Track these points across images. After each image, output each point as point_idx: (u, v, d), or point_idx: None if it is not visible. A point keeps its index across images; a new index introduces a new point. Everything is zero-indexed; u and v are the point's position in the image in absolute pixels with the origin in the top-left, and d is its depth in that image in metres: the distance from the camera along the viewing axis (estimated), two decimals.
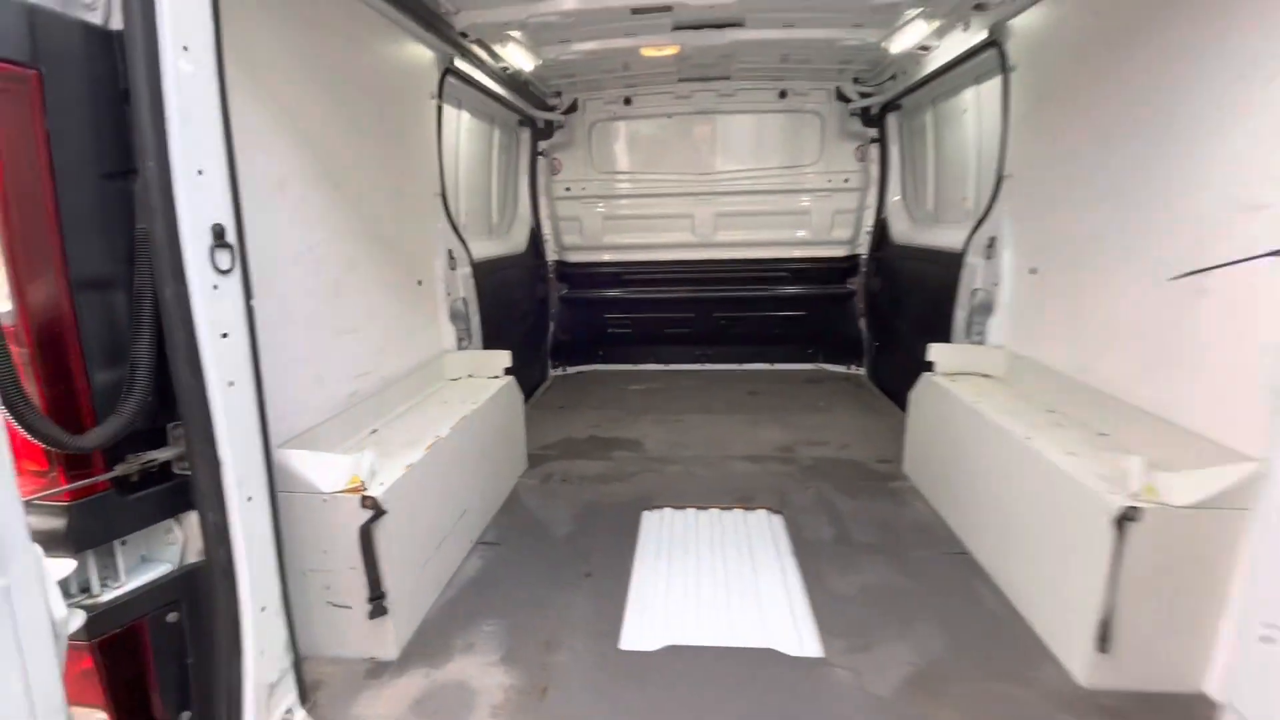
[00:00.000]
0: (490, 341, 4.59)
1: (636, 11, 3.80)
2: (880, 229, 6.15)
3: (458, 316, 4.26)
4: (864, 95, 5.86)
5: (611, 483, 4.19)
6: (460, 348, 4.22)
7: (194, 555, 1.88)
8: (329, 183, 2.86)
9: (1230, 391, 2.17)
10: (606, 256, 6.75)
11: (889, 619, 2.69)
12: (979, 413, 3.13)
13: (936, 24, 3.97)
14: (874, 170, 6.18)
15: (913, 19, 3.91)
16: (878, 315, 6.22)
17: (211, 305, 1.80)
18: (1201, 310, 2.29)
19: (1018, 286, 3.62)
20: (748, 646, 2.54)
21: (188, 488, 1.83)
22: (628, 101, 6.20)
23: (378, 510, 2.36)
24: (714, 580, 3.02)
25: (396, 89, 3.59)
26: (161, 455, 1.78)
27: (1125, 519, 2.10)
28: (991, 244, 3.84)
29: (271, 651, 2.05)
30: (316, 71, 2.81)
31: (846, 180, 6.26)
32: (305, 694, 2.22)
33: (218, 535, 1.84)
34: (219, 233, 1.82)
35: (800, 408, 5.67)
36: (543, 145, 6.42)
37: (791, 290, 6.65)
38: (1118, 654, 2.21)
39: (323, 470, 2.38)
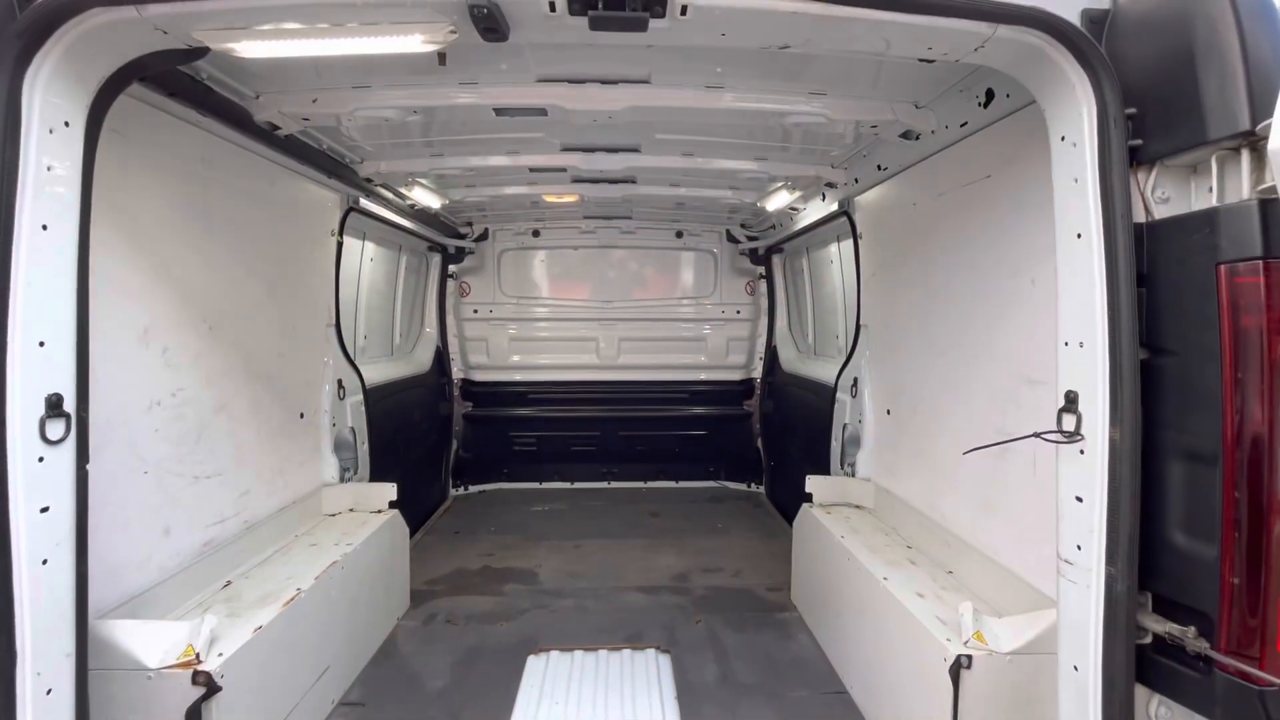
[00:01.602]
0: (382, 469, 4.45)
1: (535, 170, 4.16)
2: (771, 356, 6.63)
3: (343, 446, 4.13)
4: (750, 239, 6.52)
5: (498, 622, 4.01)
6: (343, 479, 4.07)
7: None
8: (205, 327, 2.84)
9: (1036, 540, 2.44)
10: (514, 376, 6.84)
11: None
12: (847, 549, 3.32)
13: (799, 193, 4.57)
14: (763, 303, 6.75)
15: (779, 188, 4.50)
16: (771, 436, 6.54)
17: (34, 479, 1.71)
18: (1007, 466, 2.62)
19: (878, 424, 3.98)
20: None
21: None
22: (536, 234, 6.57)
23: (211, 687, 2.16)
24: None
25: (293, 230, 3.67)
26: None
27: (959, 667, 2.25)
28: (855, 384, 4.24)
29: None
30: (205, 224, 2.86)
31: (739, 311, 6.79)
32: None
33: None
34: (54, 403, 1.76)
35: (699, 530, 5.74)
36: (452, 269, 6.61)
37: (693, 411, 6.93)
38: None
39: (150, 642, 2.18)
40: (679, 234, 6.63)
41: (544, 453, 6.97)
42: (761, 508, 6.47)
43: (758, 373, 6.88)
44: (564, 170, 4.17)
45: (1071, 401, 1.86)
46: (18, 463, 1.66)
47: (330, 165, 3.67)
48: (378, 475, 4.37)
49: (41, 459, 1.73)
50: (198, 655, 2.20)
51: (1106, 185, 1.75)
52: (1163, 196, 1.76)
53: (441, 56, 2.19)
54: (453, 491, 6.78)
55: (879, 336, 4.04)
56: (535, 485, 6.96)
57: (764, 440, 6.78)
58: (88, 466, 1.87)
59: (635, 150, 3.88)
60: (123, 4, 1.68)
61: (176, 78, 2.37)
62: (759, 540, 5.52)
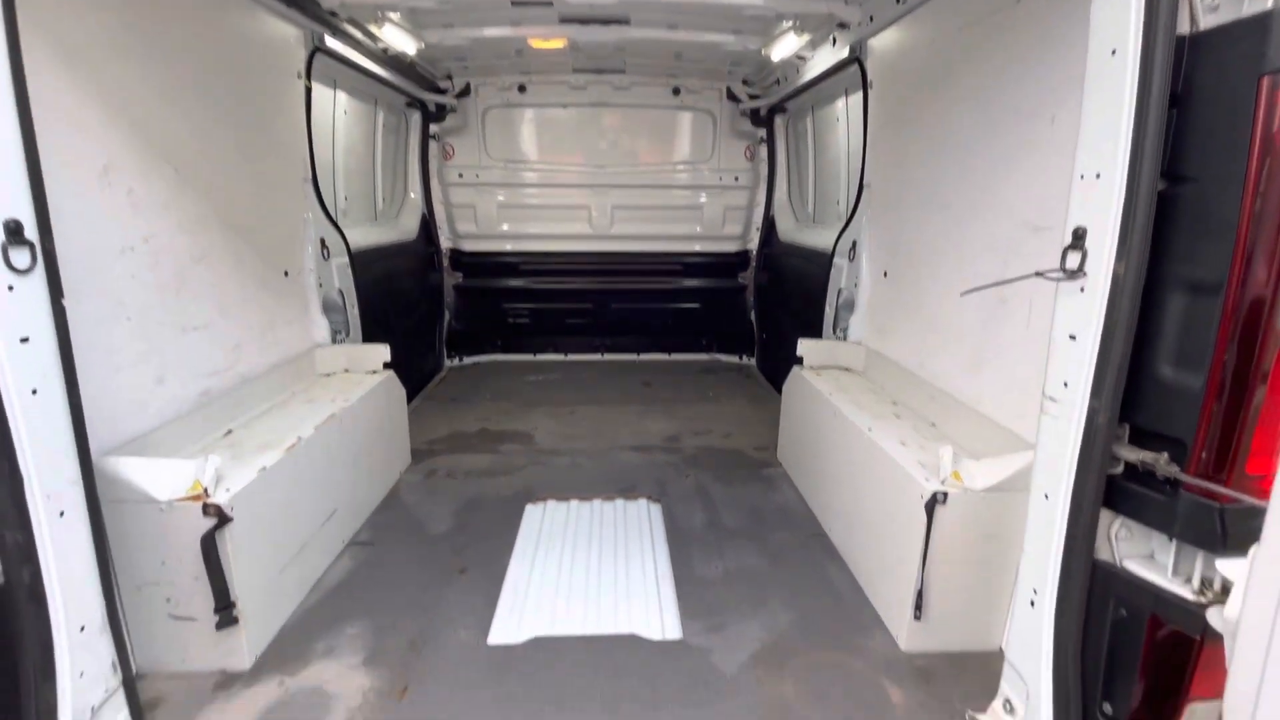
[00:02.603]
0: (372, 334, 4.44)
1: (516, 4, 3.75)
2: (768, 226, 6.44)
3: (332, 308, 4.08)
4: (752, 97, 6.09)
5: (497, 476, 4.19)
6: (335, 341, 4.06)
7: None
8: (170, 169, 2.66)
9: (1022, 388, 2.50)
10: (503, 246, 6.66)
11: (745, 600, 2.89)
12: (834, 405, 3.40)
13: (807, 37, 4.19)
14: (763, 169, 6.45)
15: (786, 30, 4.11)
16: (765, 309, 6.53)
17: (6, 308, 1.66)
18: (1001, 317, 2.61)
19: (874, 287, 3.94)
20: (611, 634, 2.66)
21: None
22: (522, 89, 6.11)
23: (222, 518, 2.26)
24: (587, 571, 3.12)
25: (254, 68, 3.36)
26: None
27: (934, 502, 2.38)
28: (854, 247, 4.14)
29: (94, 672, 1.93)
30: (153, 51, 2.59)
31: (737, 178, 6.50)
32: (140, 713, 2.11)
33: (20, 555, 1.71)
34: (14, 229, 1.67)
35: (690, 398, 5.88)
36: (434, 129, 6.21)
37: (687, 283, 6.85)
38: (931, 620, 2.51)
39: (158, 477, 2.25)
40: (676, 91, 6.18)
41: (537, 325, 6.97)
42: (752, 379, 6.60)
43: (754, 244, 6.72)
44: (549, 4, 3.77)
45: (1079, 238, 1.80)
46: None
47: None
48: (370, 340, 4.36)
49: (11, 288, 1.67)
50: (205, 490, 2.28)
51: None
52: (1212, 4, 1.59)
53: None
54: (447, 362, 6.85)
55: (881, 196, 3.89)
56: (529, 357, 7.03)
57: (757, 313, 6.78)
58: (63, 301, 1.82)
59: None
60: None
61: None
62: (749, 407, 5.68)
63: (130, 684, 2.07)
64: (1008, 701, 2.14)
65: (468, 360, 6.94)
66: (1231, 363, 1.54)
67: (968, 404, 2.86)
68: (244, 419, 3.10)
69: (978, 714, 2.23)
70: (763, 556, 3.25)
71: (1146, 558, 1.84)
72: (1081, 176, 1.80)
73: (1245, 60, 1.48)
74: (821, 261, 4.62)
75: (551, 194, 6.48)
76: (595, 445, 4.73)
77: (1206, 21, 1.60)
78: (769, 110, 6.11)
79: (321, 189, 4.03)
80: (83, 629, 1.88)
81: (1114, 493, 1.84)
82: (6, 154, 1.66)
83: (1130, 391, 1.76)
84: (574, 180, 6.44)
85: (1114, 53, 1.68)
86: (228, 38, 3.12)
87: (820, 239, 4.96)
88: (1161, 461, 1.68)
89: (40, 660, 1.77)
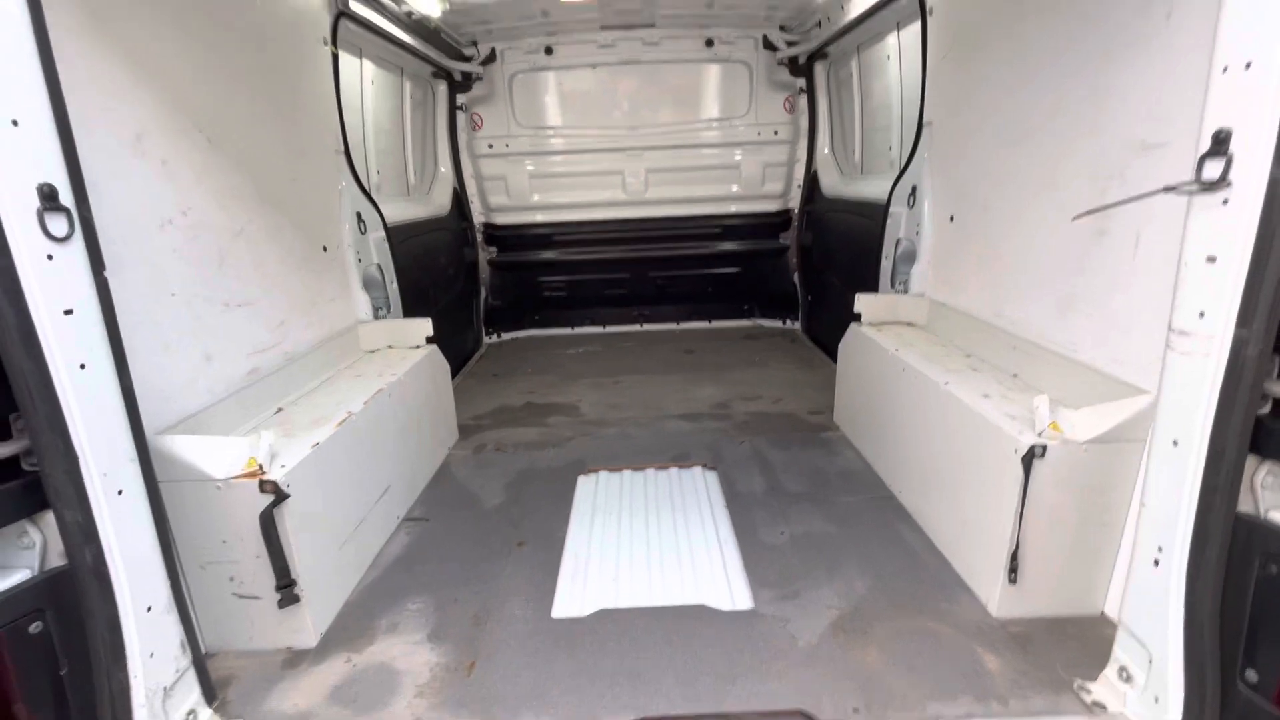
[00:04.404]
0: (411, 309, 4.36)
1: None
2: (811, 182, 6.14)
3: (372, 284, 4.00)
4: (790, 44, 5.74)
5: (546, 449, 4.11)
6: (377, 317, 3.99)
7: (58, 558, 1.69)
8: (202, 138, 2.57)
9: (1126, 329, 2.25)
10: (536, 217, 6.51)
11: (816, 566, 2.74)
12: (901, 360, 3.18)
13: None
14: (803, 122, 6.12)
15: None
16: (810, 269, 6.26)
17: (47, 278, 1.57)
18: (1100, 251, 2.35)
19: (938, 234, 3.67)
20: (680, 604, 2.54)
21: (39, 485, 1.63)
22: (549, 51, 5.88)
23: (279, 494, 2.20)
24: (647, 541, 3.01)
25: (281, 34, 3.24)
26: (1, 450, 1.57)
27: (1032, 456, 2.17)
28: (913, 193, 3.86)
29: (164, 653, 1.90)
30: (178, 14, 2.48)
31: (776, 132, 6.19)
32: (212, 692, 2.08)
33: (82, 535, 1.66)
34: (49, 194, 1.58)
35: (736, 364, 5.70)
36: (461, 99, 6.05)
37: (726, 247, 6.61)
38: (1026, 583, 2.32)
39: (214, 455, 2.19)
40: (709, 42, 5.87)
41: (574, 298, 6.83)
42: (798, 342, 6.37)
43: (795, 203, 6.42)
44: None
45: (1221, 142, 1.55)
46: (24, 257, 1.51)
47: None
48: (409, 315, 4.28)
49: (50, 256, 1.58)
50: (261, 467, 2.22)
51: None
52: None
53: None
54: (486, 339, 6.79)
55: (945, 133, 3.59)
56: (568, 330, 6.92)
57: (801, 274, 6.51)
58: (105, 274, 1.73)
59: None
60: None
61: None
62: (798, 370, 5.47)
63: (200, 663, 2.04)
64: (1123, 669, 1.95)
65: (506, 337, 6.86)
66: None
67: (1058, 351, 2.61)
68: (293, 396, 3.04)
69: (1087, 682, 2.05)
70: (830, 521, 3.09)
71: None
72: (1225, 69, 1.54)
73: None
74: (874, 213, 4.35)
75: (583, 160, 6.28)
76: (643, 415, 4.60)
77: None
78: (809, 58, 5.77)
79: (354, 162, 3.93)
80: (149, 609, 1.83)
81: (1261, 435, 1.62)
82: (36, 115, 1.56)
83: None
84: (606, 145, 6.22)
85: None
86: (252, 4, 2.99)
87: (871, 189, 4.67)
88: None
89: (110, 641, 1.73)
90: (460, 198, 6.16)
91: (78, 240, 1.65)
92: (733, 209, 6.49)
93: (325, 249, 3.55)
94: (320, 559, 2.47)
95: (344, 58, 4.00)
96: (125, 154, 2.20)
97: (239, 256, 2.76)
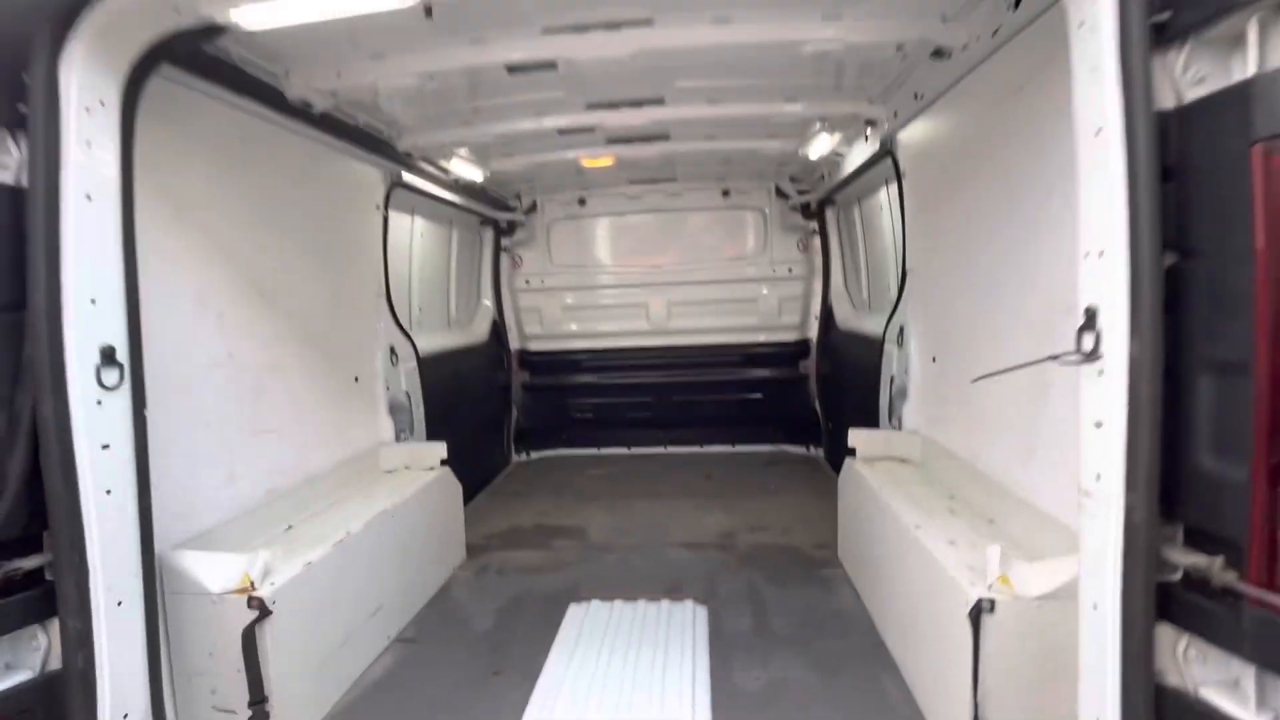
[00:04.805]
0: (437, 432, 4.71)
1: (563, 132, 4.19)
2: (826, 314, 6.40)
3: (399, 409, 4.41)
4: (801, 192, 6.27)
5: (546, 573, 4.18)
6: (399, 440, 4.34)
7: (56, 661, 1.93)
8: (255, 294, 3.09)
9: (1074, 482, 2.26)
10: (567, 345, 7.00)
11: (787, 714, 2.65)
12: (881, 500, 3.20)
13: (840, 135, 4.34)
14: (816, 260, 6.51)
15: (819, 131, 4.29)
16: (829, 397, 6.35)
17: (94, 419, 1.95)
18: (1048, 403, 2.42)
19: (924, 373, 3.78)
20: None
21: (54, 594, 1.90)
22: (582, 202, 6.64)
23: (263, 610, 2.41)
24: (621, 680, 2.98)
25: (338, 205, 3.91)
26: (27, 563, 1.87)
27: (979, 610, 2.14)
28: (902, 332, 4.03)
29: None
30: (250, 200, 3.10)
31: (790, 270, 6.59)
32: None
33: (79, 641, 1.90)
34: (108, 353, 1.99)
35: (752, 491, 5.69)
36: (505, 242, 6.81)
37: (747, 374, 6.84)
38: None
39: (213, 570, 2.45)
40: (725, 193, 6.49)
41: (601, 419, 7.12)
42: (819, 470, 6.32)
43: (813, 333, 6.67)
44: (593, 130, 4.17)
45: (1091, 317, 1.70)
46: (78, 403, 1.90)
47: (369, 141, 3.87)
48: (434, 437, 4.62)
49: (99, 402, 1.97)
50: (252, 583, 2.45)
51: (1127, 69, 1.56)
52: (1197, 76, 1.55)
53: (428, 10, 2.24)
54: (515, 458, 7.07)
55: (923, 280, 3.81)
56: (594, 451, 7.13)
57: (821, 401, 6.59)
58: (146, 412, 2.11)
59: (660, 103, 3.82)
60: None
61: (208, 60, 2.58)
62: (813, 500, 5.41)
63: None
64: None
65: (535, 455, 7.14)
66: (1278, 450, 1.36)
67: (1023, 498, 2.61)
68: (306, 514, 3.33)
69: None
70: (811, 668, 2.99)
71: (1230, 685, 1.55)
72: (1086, 255, 1.72)
73: (1235, 130, 1.42)
74: (876, 347, 4.51)
75: (611, 294, 6.84)
76: (648, 541, 4.64)
77: (1192, 94, 1.56)
78: (819, 203, 6.25)
79: (396, 302, 4.49)
80: (126, 716, 2.02)
81: (1174, 604, 1.60)
82: (110, 292, 2.02)
83: (1175, 485, 1.57)
84: (632, 281, 6.77)
85: (1098, 133, 1.65)
86: (315, 181, 3.67)
87: (873, 324, 4.85)
88: (1215, 567, 1.46)
89: None
90: (499, 327, 6.75)
91: (125, 388, 2.05)
92: (753, 338, 6.79)
93: (357, 379, 4.00)
94: (299, 678, 2.61)
95: (396, 215, 4.71)
96: (189, 309, 2.70)
97: (273, 389, 3.20)
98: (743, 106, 3.85)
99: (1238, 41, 1.48)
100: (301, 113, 3.18)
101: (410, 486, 3.80)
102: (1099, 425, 1.69)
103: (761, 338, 6.76)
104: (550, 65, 3.00)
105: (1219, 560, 1.46)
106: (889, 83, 3.51)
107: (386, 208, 4.35)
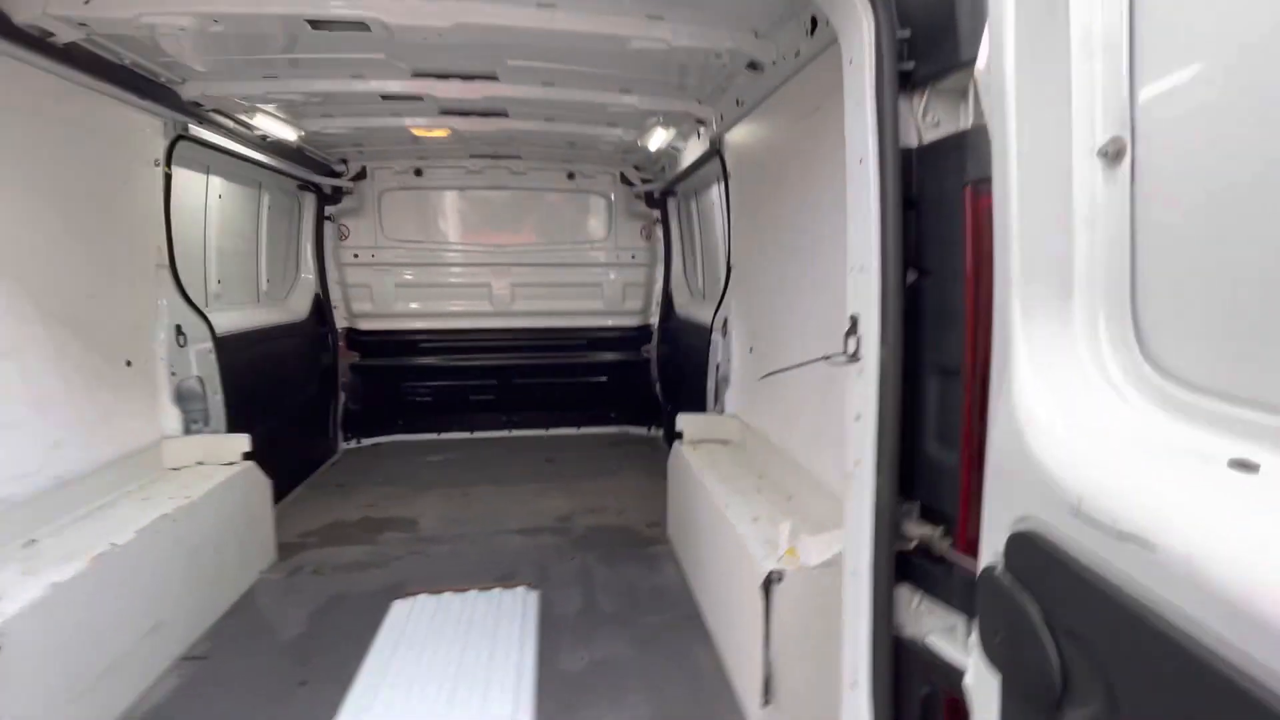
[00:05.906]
0: (241, 421, 4.20)
1: (388, 97, 3.88)
2: (667, 301, 6.65)
3: (189, 397, 3.87)
4: (644, 181, 6.41)
5: (369, 570, 3.95)
6: (190, 432, 3.82)
7: None
8: None
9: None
10: (402, 325, 6.58)
11: (605, 692, 2.77)
12: (698, 479, 3.43)
13: (674, 130, 4.49)
14: (659, 248, 6.72)
15: (655, 124, 4.40)
16: (667, 381, 6.64)
17: None
18: (833, 395, 2.73)
19: (743, 363, 4.08)
20: None
21: None
22: (419, 173, 6.23)
23: None
24: (445, 673, 2.92)
25: (102, 158, 3.29)
26: None
27: (770, 581, 2.38)
28: (725, 323, 4.31)
29: None
30: None
31: (634, 256, 6.74)
32: None
33: None
34: None
35: (592, 473, 5.81)
36: (330, 210, 6.20)
37: (591, 357, 6.91)
38: (780, 706, 2.46)
39: None
40: (571, 175, 6.44)
41: (441, 403, 6.82)
42: (659, 450, 6.60)
43: (655, 318, 6.90)
44: (421, 99, 3.91)
45: (854, 324, 1.93)
46: None
47: (141, 85, 3.29)
48: (238, 428, 4.12)
49: None
50: None
51: (881, 108, 1.77)
52: (934, 121, 1.80)
53: None
54: (343, 445, 6.56)
55: (744, 276, 4.10)
56: (434, 436, 6.82)
57: (661, 384, 6.87)
58: None
59: (493, 79, 3.67)
60: None
61: None
62: (650, 480, 5.62)
63: None
64: None
65: (366, 442, 6.67)
66: (976, 441, 1.65)
67: (816, 477, 2.93)
68: (56, 525, 2.82)
69: None
70: (631, 644, 3.15)
71: (949, 631, 1.88)
72: (851, 269, 1.95)
73: (954, 171, 1.68)
74: (705, 335, 4.77)
75: (451, 273, 6.52)
76: (482, 529, 4.56)
77: (930, 135, 1.81)
78: (661, 193, 6.43)
79: (187, 274, 3.91)
80: None
81: (912, 568, 1.90)
82: None
83: (913, 469, 1.85)
84: (473, 260, 6.51)
85: (861, 161, 1.86)
86: (67, 126, 3.05)
87: (705, 314, 5.14)
88: (937, 536, 1.76)
89: None
90: (322, 304, 6.15)
91: None
92: (597, 322, 6.87)
93: (129, 363, 3.43)
94: (43, 714, 2.23)
95: (185, 173, 4.08)
96: None
97: (6, 377, 2.64)
98: (578, 92, 3.82)
99: (965, 94, 1.74)
100: (36, 43, 2.61)
101: (202, 485, 3.37)
102: (858, 418, 1.93)
103: (607, 322, 6.86)
104: (362, 26, 2.74)
105: (939, 530, 1.76)
106: (714, 87, 3.68)
107: (169, 163, 3.74)
